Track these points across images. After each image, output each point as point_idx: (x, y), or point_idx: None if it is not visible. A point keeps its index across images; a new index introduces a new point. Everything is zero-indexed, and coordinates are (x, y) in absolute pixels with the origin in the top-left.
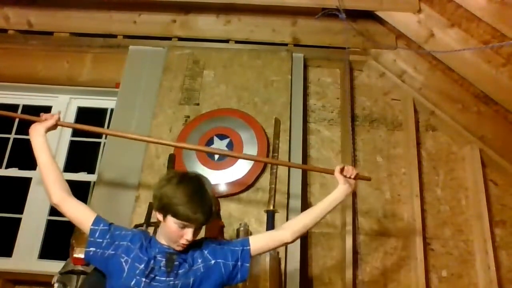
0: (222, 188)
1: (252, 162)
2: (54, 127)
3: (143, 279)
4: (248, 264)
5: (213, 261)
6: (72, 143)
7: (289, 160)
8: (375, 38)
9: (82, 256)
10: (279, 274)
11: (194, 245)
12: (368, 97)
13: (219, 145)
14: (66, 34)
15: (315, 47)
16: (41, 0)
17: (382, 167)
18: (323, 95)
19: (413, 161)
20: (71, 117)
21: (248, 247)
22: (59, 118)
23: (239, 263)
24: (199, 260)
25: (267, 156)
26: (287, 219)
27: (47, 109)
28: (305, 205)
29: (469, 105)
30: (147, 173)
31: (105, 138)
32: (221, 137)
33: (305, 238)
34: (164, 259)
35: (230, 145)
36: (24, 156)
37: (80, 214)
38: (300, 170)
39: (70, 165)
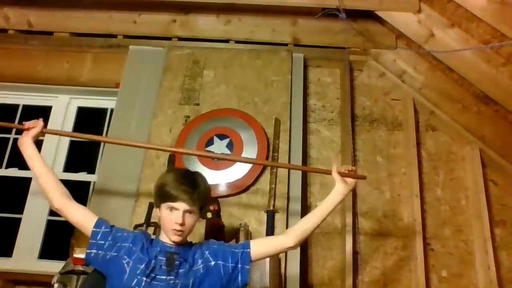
0: (222, 188)
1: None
2: (40, 134)
3: (144, 279)
4: (248, 267)
5: (213, 262)
6: (72, 143)
7: (289, 160)
8: (375, 38)
9: (82, 256)
10: (279, 274)
11: (196, 246)
12: (368, 97)
13: (219, 145)
14: (66, 34)
15: (315, 47)
16: (41, 0)
17: (382, 167)
18: (323, 95)
19: (413, 161)
20: (71, 117)
21: (248, 250)
22: (43, 125)
23: (239, 265)
24: (200, 261)
25: (267, 156)
26: (287, 219)
27: (47, 109)
28: (305, 205)
29: (469, 105)
30: (147, 173)
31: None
32: (221, 137)
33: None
34: (164, 258)
35: (230, 145)
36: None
37: (82, 217)
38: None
39: (70, 165)
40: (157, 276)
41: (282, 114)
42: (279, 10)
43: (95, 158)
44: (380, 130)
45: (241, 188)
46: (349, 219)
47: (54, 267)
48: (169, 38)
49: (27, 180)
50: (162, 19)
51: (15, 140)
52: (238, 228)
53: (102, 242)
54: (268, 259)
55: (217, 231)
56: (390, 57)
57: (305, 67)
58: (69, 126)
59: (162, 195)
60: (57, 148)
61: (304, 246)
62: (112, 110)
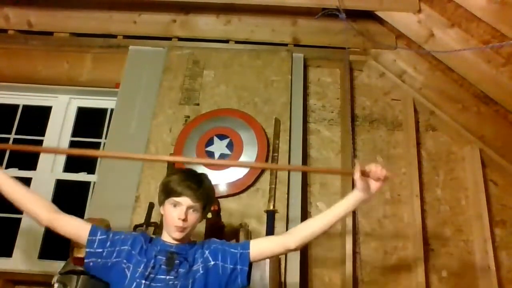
0: (222, 188)
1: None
2: None
3: (143, 281)
4: (246, 268)
5: (212, 263)
6: (72, 143)
7: (289, 160)
8: (375, 38)
9: (82, 256)
10: (279, 274)
11: (197, 245)
12: (368, 97)
13: (219, 145)
14: (66, 34)
15: (315, 47)
16: (41, 0)
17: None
18: (323, 95)
19: (413, 161)
20: (71, 117)
21: (247, 251)
22: None
23: (238, 266)
24: (199, 261)
25: (267, 156)
26: (287, 219)
27: (47, 109)
28: (305, 205)
29: (469, 105)
30: (147, 173)
31: (105, 138)
32: (221, 137)
33: None
34: (164, 258)
35: (230, 145)
36: (24, 156)
37: (75, 228)
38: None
39: (70, 165)
40: (157, 276)
41: (282, 114)
42: (279, 10)
43: (95, 158)
44: (380, 130)
45: (241, 188)
46: (349, 219)
47: (54, 267)
48: (169, 38)
49: (27, 180)
50: (162, 19)
51: (15, 140)
52: (238, 228)
53: (100, 250)
54: (268, 259)
55: (217, 231)
56: (390, 57)
57: (305, 67)
58: (69, 126)
59: (167, 191)
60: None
61: (304, 246)
62: (112, 110)
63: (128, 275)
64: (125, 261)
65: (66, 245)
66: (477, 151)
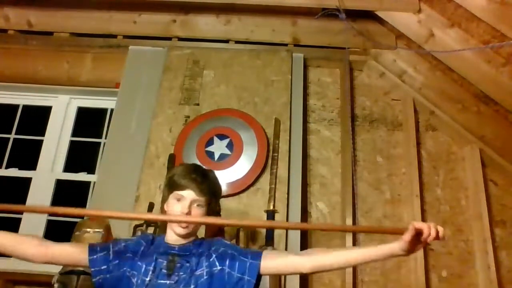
0: (222, 188)
1: (252, 161)
2: None
3: None
4: (254, 280)
5: (219, 268)
6: (72, 143)
7: (289, 160)
8: (375, 38)
9: None
10: (278, 276)
11: (203, 246)
12: (368, 97)
13: (219, 145)
14: (66, 34)
15: (315, 47)
16: (41, 0)
17: (382, 167)
18: (323, 95)
19: (413, 161)
20: (71, 117)
21: (258, 262)
22: None
23: (246, 277)
24: (204, 265)
25: (267, 156)
26: (287, 219)
27: (47, 109)
28: (305, 205)
29: (469, 105)
30: (147, 173)
31: (105, 138)
32: (221, 137)
33: (305, 238)
34: (165, 261)
35: (230, 145)
36: (24, 156)
37: (71, 255)
38: (300, 170)
39: (70, 165)
40: (158, 281)
41: (282, 114)
42: (279, 10)
43: (95, 158)
44: (380, 130)
45: (241, 188)
46: (349, 219)
47: (54, 267)
48: (169, 38)
49: (27, 180)
50: (162, 19)
51: (15, 140)
52: (238, 228)
53: (105, 266)
54: None
55: (217, 231)
56: (390, 57)
57: (305, 67)
58: (69, 126)
59: (171, 185)
60: (57, 148)
61: (304, 246)
62: (112, 110)
63: (134, 282)
64: (129, 269)
65: None
66: (477, 151)
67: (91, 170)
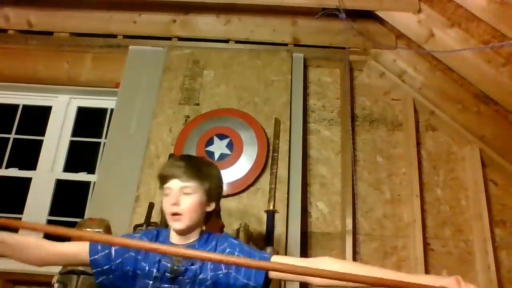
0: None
1: (252, 161)
2: None
3: None
4: (260, 287)
5: (224, 271)
6: (72, 143)
7: (289, 160)
8: (375, 38)
9: None
10: None
11: (208, 243)
12: (368, 97)
13: (219, 145)
14: (66, 34)
15: (315, 47)
16: (41, 0)
17: (382, 167)
18: (323, 95)
19: (413, 161)
20: (71, 117)
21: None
22: None
23: (251, 283)
24: (209, 268)
25: (267, 156)
26: (287, 220)
27: (47, 109)
28: (305, 205)
29: (469, 105)
30: (147, 173)
31: (105, 138)
32: (221, 137)
33: (305, 238)
34: (169, 264)
35: (230, 145)
36: (24, 156)
37: (70, 254)
38: (300, 170)
39: (70, 165)
40: (162, 285)
41: (282, 114)
42: (279, 10)
43: (95, 158)
44: (380, 130)
45: (241, 188)
46: (349, 219)
47: (54, 267)
48: (169, 38)
49: (27, 180)
50: (162, 19)
51: (15, 140)
52: (238, 228)
53: (108, 266)
54: None
55: (217, 231)
56: (390, 57)
57: (305, 67)
58: (69, 126)
59: (160, 181)
60: (57, 148)
61: (304, 246)
62: (112, 110)
63: (137, 283)
64: (132, 269)
65: None
66: (477, 151)
67: (91, 170)
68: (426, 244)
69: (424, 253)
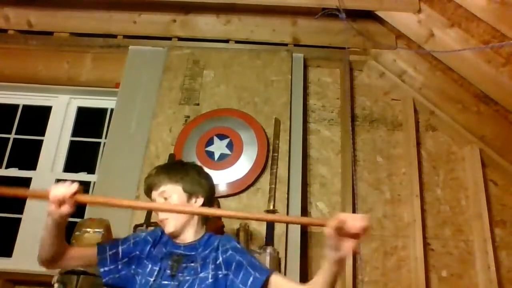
0: (222, 188)
1: (252, 161)
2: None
3: None
4: None
5: (224, 272)
6: (72, 143)
7: (289, 160)
8: (375, 38)
9: None
10: None
11: (211, 246)
12: (368, 97)
13: (219, 145)
14: (66, 34)
15: (315, 47)
16: (41, 0)
17: (382, 167)
18: (323, 95)
19: (413, 161)
20: (71, 117)
21: (263, 278)
22: (75, 193)
23: None
24: (210, 267)
25: (267, 156)
26: None
27: (47, 109)
28: (305, 205)
29: (469, 105)
30: (147, 173)
31: (105, 138)
32: (221, 137)
33: (305, 238)
34: (169, 261)
35: (230, 145)
36: (24, 156)
37: (83, 255)
38: (300, 170)
39: (70, 165)
40: (162, 282)
41: (282, 114)
42: (279, 10)
43: (95, 158)
44: (380, 130)
45: (241, 188)
46: None
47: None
48: (169, 38)
49: (27, 180)
50: (162, 19)
51: (15, 140)
52: (238, 228)
53: (114, 265)
54: (268, 259)
55: (217, 231)
56: (390, 57)
57: (305, 67)
58: (69, 126)
59: (147, 196)
60: (57, 148)
61: (304, 246)
62: (112, 110)
63: (138, 281)
64: (135, 268)
65: None
66: (477, 151)
67: (91, 170)
68: (426, 244)
69: (424, 253)
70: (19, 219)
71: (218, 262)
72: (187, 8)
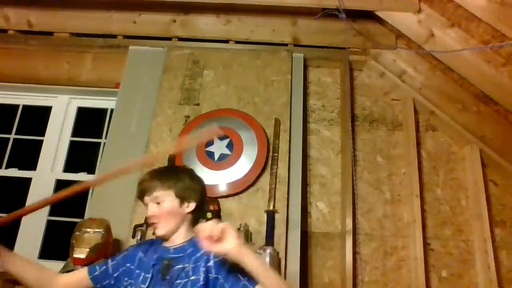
0: (222, 188)
1: (252, 162)
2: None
3: None
4: None
5: (214, 275)
6: (72, 143)
7: (289, 160)
8: (375, 38)
9: (82, 256)
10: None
11: (200, 251)
12: (368, 97)
13: (219, 145)
14: (66, 34)
15: (315, 47)
16: (41, 0)
17: (382, 167)
18: (323, 95)
19: (413, 161)
20: (71, 117)
21: (252, 286)
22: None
23: None
24: (201, 270)
25: (267, 156)
26: (287, 219)
27: (47, 109)
28: (305, 205)
29: (469, 105)
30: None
31: (105, 138)
32: (221, 137)
33: (305, 238)
34: (160, 266)
35: (230, 145)
36: (24, 156)
37: (74, 280)
38: (300, 170)
39: (70, 165)
40: (154, 287)
41: (282, 114)
42: (279, 10)
43: (95, 158)
44: (380, 130)
45: (241, 188)
46: (349, 219)
47: (54, 267)
48: (169, 38)
49: (27, 180)
50: (162, 19)
51: (15, 140)
52: (238, 228)
53: (107, 281)
54: (268, 258)
55: None
56: (390, 57)
57: (305, 67)
58: (69, 126)
59: (140, 200)
60: (57, 148)
61: (304, 246)
62: (112, 110)
63: None
64: (127, 279)
65: (66, 245)
66: (477, 151)
67: (91, 170)
68: (426, 244)
69: (424, 253)
70: (19, 219)
71: (209, 264)
72: (187, 8)
